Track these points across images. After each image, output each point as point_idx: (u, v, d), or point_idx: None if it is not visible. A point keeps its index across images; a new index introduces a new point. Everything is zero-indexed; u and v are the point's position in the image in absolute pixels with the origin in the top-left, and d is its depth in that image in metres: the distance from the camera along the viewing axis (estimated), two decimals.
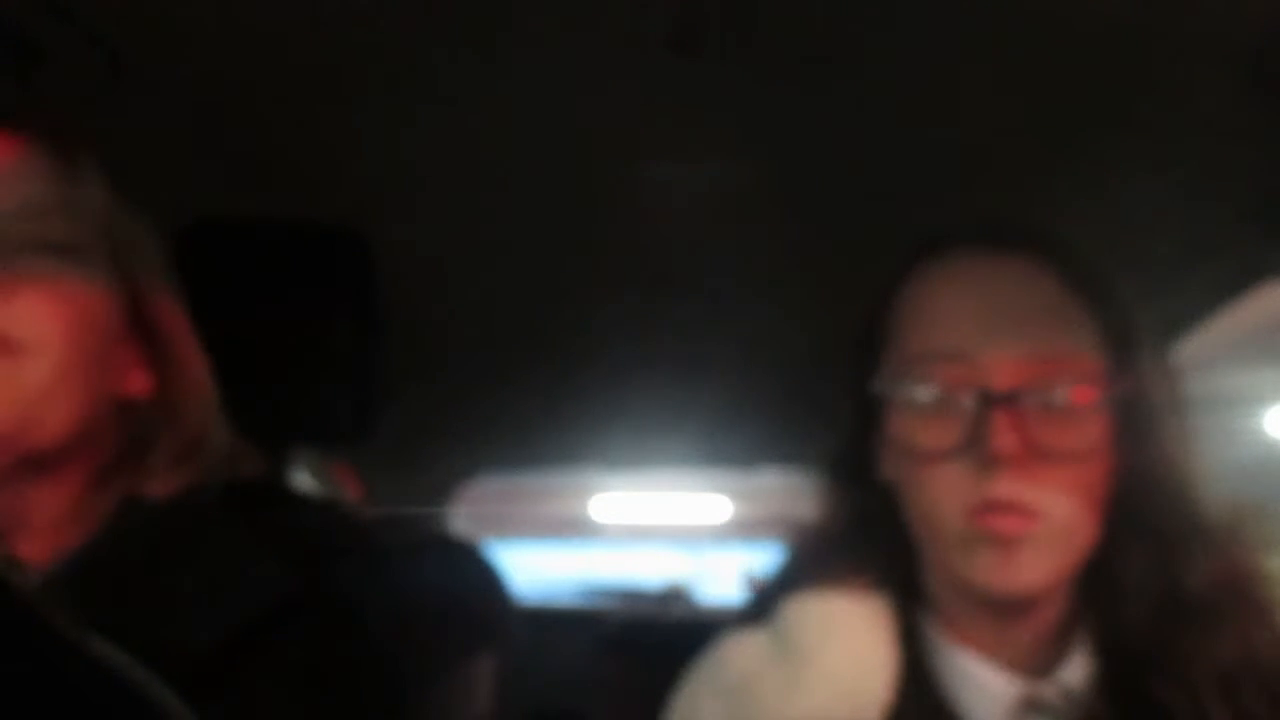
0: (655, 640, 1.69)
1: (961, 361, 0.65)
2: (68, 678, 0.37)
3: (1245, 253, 1.14)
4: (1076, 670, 0.67)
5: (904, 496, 0.69)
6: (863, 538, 0.72)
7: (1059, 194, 1.06)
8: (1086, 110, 0.95)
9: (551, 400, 1.67)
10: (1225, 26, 0.83)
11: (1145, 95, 0.92)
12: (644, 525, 4.65)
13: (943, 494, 0.65)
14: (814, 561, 0.73)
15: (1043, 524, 0.63)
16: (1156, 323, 1.22)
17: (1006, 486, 0.62)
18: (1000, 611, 0.67)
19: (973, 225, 0.71)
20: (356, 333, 0.88)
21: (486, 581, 0.73)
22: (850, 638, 0.68)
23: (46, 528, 0.61)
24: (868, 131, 1.01)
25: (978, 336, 0.65)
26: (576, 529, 4.60)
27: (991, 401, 0.63)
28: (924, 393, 0.66)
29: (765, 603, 0.73)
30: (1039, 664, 0.68)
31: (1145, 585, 0.66)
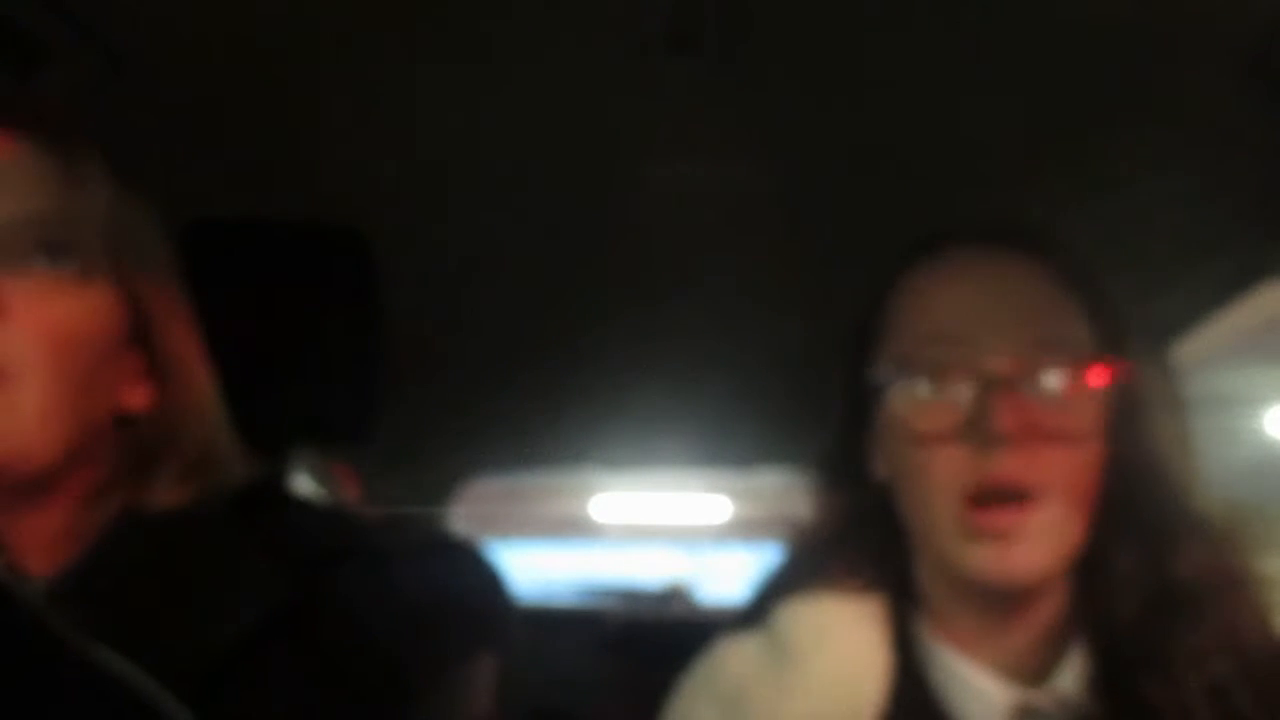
0: (655, 640, 1.69)
1: (961, 346, 0.66)
2: (73, 686, 0.37)
3: (1245, 253, 1.14)
4: (1071, 676, 0.67)
5: (899, 490, 0.69)
6: (856, 539, 0.72)
7: (1059, 194, 1.06)
8: (1086, 110, 0.95)
9: (551, 400, 1.67)
10: (1225, 26, 0.83)
11: (1145, 95, 0.92)
12: (644, 525, 4.64)
13: (940, 480, 0.65)
14: (808, 564, 0.73)
15: (1038, 512, 0.63)
16: (1156, 323, 1.23)
17: (1006, 466, 0.63)
18: (994, 607, 0.67)
19: (967, 224, 0.72)
20: (356, 333, 0.88)
21: (486, 582, 0.73)
22: (843, 642, 0.68)
23: (44, 546, 0.59)
24: (868, 131, 1.01)
25: (976, 324, 0.66)
26: (576, 529, 4.59)
27: (991, 385, 0.64)
28: (923, 378, 0.66)
29: (760, 606, 0.73)
30: (1034, 669, 0.67)
31: (1136, 584, 0.66)
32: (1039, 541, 0.63)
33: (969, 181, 1.07)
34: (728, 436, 1.81)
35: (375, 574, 0.65)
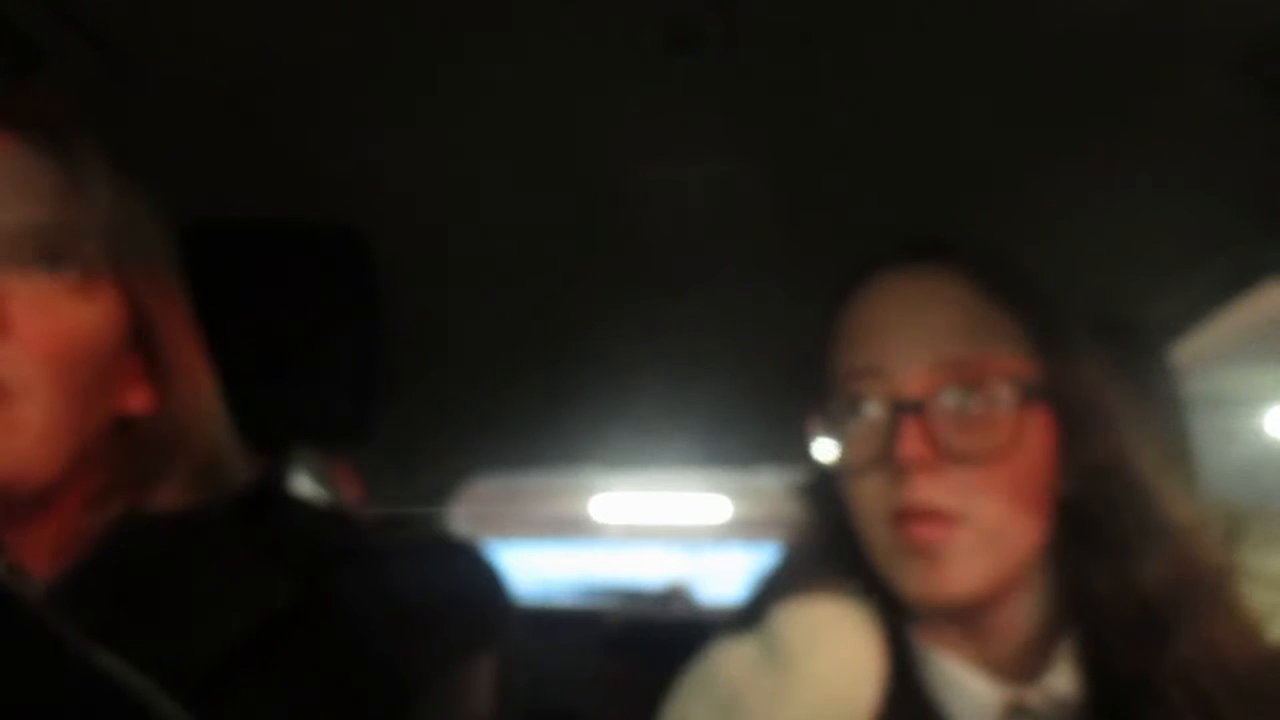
0: (655, 640, 1.69)
1: (876, 376, 0.67)
2: (72, 688, 0.37)
3: (1245, 253, 1.14)
4: (1063, 677, 0.67)
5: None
6: (846, 547, 0.72)
7: (1059, 194, 1.06)
8: (1086, 110, 0.95)
9: (551, 400, 1.67)
10: (1225, 27, 0.83)
11: (1145, 95, 0.92)
12: (644, 525, 4.65)
13: (869, 507, 0.67)
14: (803, 567, 0.73)
15: (965, 529, 0.63)
16: (1157, 323, 1.23)
17: (918, 493, 0.63)
18: (959, 617, 0.67)
19: (895, 246, 0.72)
20: (356, 333, 0.88)
21: (486, 581, 0.73)
22: (838, 644, 0.68)
23: (46, 550, 0.59)
24: (867, 131, 1.01)
25: (889, 350, 0.67)
26: (576, 529, 4.59)
27: (900, 411, 0.64)
28: (845, 409, 0.68)
29: (756, 608, 0.73)
30: (1023, 670, 0.67)
31: (1108, 589, 0.66)
32: (969, 559, 0.63)
33: (968, 182, 1.07)
34: (728, 436, 1.81)
35: (375, 574, 0.65)
